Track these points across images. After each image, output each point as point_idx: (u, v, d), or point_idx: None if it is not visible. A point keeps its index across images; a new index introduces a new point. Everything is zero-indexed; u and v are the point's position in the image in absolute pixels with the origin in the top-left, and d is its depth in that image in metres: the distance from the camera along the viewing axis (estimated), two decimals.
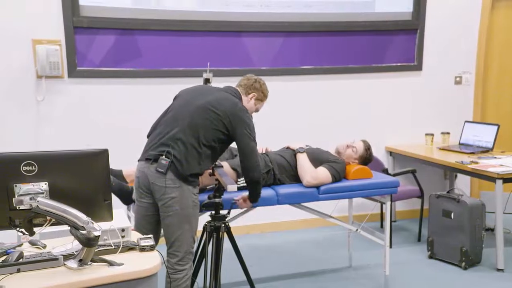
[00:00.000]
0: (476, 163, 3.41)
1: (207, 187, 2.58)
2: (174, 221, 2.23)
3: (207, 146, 2.28)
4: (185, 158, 2.23)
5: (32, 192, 1.50)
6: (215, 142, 2.30)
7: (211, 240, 2.45)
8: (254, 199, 2.48)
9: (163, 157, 2.21)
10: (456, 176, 4.33)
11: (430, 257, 3.48)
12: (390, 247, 3.16)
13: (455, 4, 4.33)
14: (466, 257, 3.26)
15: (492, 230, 3.64)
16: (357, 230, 3.00)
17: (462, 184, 4.41)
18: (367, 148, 3.04)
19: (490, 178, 3.21)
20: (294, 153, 2.90)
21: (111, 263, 1.55)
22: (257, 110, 2.57)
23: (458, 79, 4.46)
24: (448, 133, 4.22)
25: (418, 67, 4.32)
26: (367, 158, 3.05)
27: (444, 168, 3.89)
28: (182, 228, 2.24)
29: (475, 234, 3.27)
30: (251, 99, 2.50)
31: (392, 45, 4.23)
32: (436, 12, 4.27)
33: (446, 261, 3.39)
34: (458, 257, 3.30)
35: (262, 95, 2.54)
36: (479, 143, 3.93)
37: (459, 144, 4.08)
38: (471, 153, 3.75)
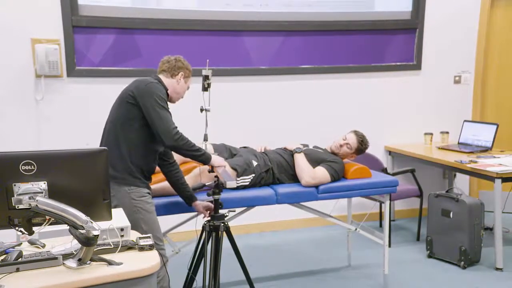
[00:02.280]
0: (475, 162, 3.41)
1: (206, 184, 2.57)
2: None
3: (126, 130, 2.23)
4: (110, 164, 2.10)
5: (31, 192, 1.50)
6: (132, 120, 2.23)
7: (210, 239, 2.45)
8: (204, 162, 2.37)
9: None
10: (455, 175, 4.34)
11: (429, 256, 3.48)
12: (389, 246, 3.17)
13: (455, 3, 4.33)
14: (465, 256, 3.26)
15: (491, 229, 3.64)
16: (356, 229, 3.00)
17: (461, 183, 4.42)
18: (361, 140, 3.03)
19: (489, 177, 3.22)
20: (292, 153, 2.90)
21: (110, 263, 1.55)
22: (188, 88, 2.48)
23: (457, 78, 4.46)
24: (447, 132, 4.22)
25: (417, 67, 4.32)
26: (363, 149, 3.06)
27: (443, 167, 3.90)
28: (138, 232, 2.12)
29: (474, 233, 3.27)
30: (180, 79, 2.40)
31: (392, 44, 4.23)
32: (436, 11, 4.27)
33: (445, 260, 3.39)
34: (457, 256, 3.30)
35: (188, 71, 2.43)
36: (478, 143, 3.93)
37: (458, 143, 4.09)
38: (470, 152, 3.76)
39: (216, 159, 2.40)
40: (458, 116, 4.33)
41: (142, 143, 2.28)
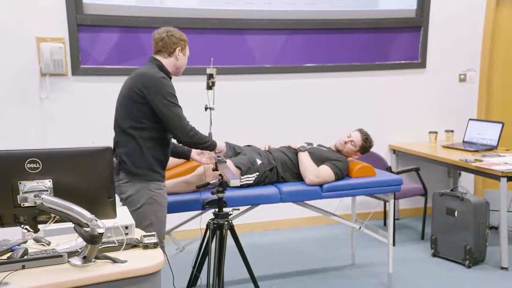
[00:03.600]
0: (480, 161, 3.39)
1: (211, 182, 2.57)
2: (135, 219, 2.14)
3: (140, 129, 2.25)
4: (126, 156, 2.26)
5: (36, 189, 1.51)
6: (144, 119, 2.24)
7: (214, 237, 2.45)
8: (211, 150, 2.42)
9: (114, 159, 2.22)
10: (460, 174, 4.32)
11: (434, 255, 3.47)
12: (394, 245, 3.16)
13: (460, 1, 4.31)
14: (470, 255, 3.25)
15: (496, 228, 3.63)
16: (360, 228, 2.99)
17: (466, 182, 4.40)
18: (365, 137, 3.03)
19: (494, 176, 3.20)
20: (296, 151, 2.90)
21: (114, 260, 1.56)
22: (188, 56, 2.46)
23: (462, 76, 4.44)
24: (452, 131, 4.20)
25: (422, 65, 4.31)
26: (368, 147, 3.05)
27: (448, 166, 3.89)
28: (141, 225, 2.19)
29: (479, 232, 3.26)
30: (178, 54, 2.36)
31: (396, 42, 4.22)
32: (441, 9, 4.25)
33: (450, 259, 3.38)
34: (462, 255, 3.29)
35: (183, 42, 2.38)
36: (483, 141, 3.92)
37: (463, 142, 4.07)
38: (475, 151, 3.74)
39: (221, 145, 2.45)
40: (463, 115, 4.31)
41: (159, 138, 2.31)
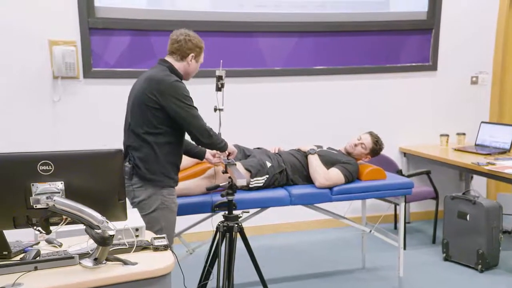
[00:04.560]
0: (493, 164, 3.36)
1: (221, 185, 2.58)
2: (145, 223, 2.11)
3: (155, 134, 2.24)
4: (140, 161, 2.24)
5: (48, 191, 1.52)
6: (160, 124, 2.23)
7: (224, 240, 2.45)
8: (223, 150, 2.44)
9: (126, 163, 2.25)
10: (472, 177, 4.27)
11: (446, 259, 3.44)
12: (404, 248, 3.13)
13: (472, 2, 4.27)
14: (482, 260, 3.21)
15: (510, 232, 3.58)
16: (370, 231, 2.97)
17: (478, 185, 4.35)
18: (376, 140, 3.01)
19: (507, 179, 3.16)
20: (306, 154, 2.89)
21: (125, 262, 1.57)
22: (201, 62, 2.45)
23: (474, 79, 4.40)
24: (463, 134, 4.16)
25: (433, 67, 4.27)
26: (378, 150, 3.03)
27: (460, 169, 3.84)
28: (152, 230, 2.15)
29: (492, 236, 3.22)
30: (191, 60, 2.34)
31: (407, 45, 4.19)
32: (452, 11, 4.21)
33: (462, 263, 3.34)
34: (475, 259, 3.25)
35: (198, 50, 2.36)
36: (495, 144, 3.87)
37: (475, 145, 4.03)
38: (487, 154, 3.70)
39: (231, 146, 2.47)
40: (475, 118, 4.27)
41: (175, 142, 2.31)
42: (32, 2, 3.41)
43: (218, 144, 2.36)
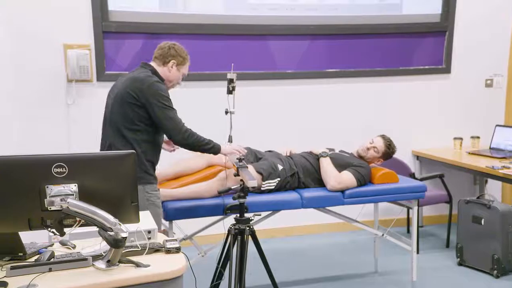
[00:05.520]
0: (508, 168, 3.31)
1: (232, 188, 2.58)
2: None
3: (134, 131, 2.29)
4: None
5: (62, 194, 1.53)
6: (139, 121, 2.29)
7: (236, 243, 2.46)
8: (215, 153, 2.43)
9: None
10: (486, 181, 4.22)
11: (460, 264, 3.39)
12: (417, 252, 3.10)
13: (486, 4, 4.22)
14: (498, 265, 3.16)
15: None
16: (383, 235, 2.95)
17: (493, 189, 4.29)
18: (388, 144, 2.99)
19: None
20: (317, 157, 2.88)
21: (138, 265, 1.57)
22: (184, 75, 2.50)
23: (489, 82, 4.34)
24: (478, 137, 4.11)
25: (447, 70, 4.23)
26: (390, 153, 3.01)
27: (474, 173, 3.80)
28: None
29: (508, 241, 3.17)
30: (171, 67, 2.42)
31: (420, 47, 4.16)
32: (466, 13, 4.17)
33: (477, 268, 3.30)
34: (490, 264, 3.20)
35: (181, 59, 2.43)
36: (511, 148, 3.82)
37: (490, 148, 3.98)
38: (502, 158, 3.65)
39: (226, 148, 2.45)
40: (489, 121, 4.21)
41: (152, 140, 2.36)
42: (48, 7, 3.46)
43: (202, 146, 2.36)
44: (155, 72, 2.40)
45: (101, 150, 2.45)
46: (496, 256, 3.16)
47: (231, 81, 2.49)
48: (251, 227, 2.48)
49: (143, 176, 2.31)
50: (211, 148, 2.39)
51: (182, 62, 2.45)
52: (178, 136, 2.31)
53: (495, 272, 3.18)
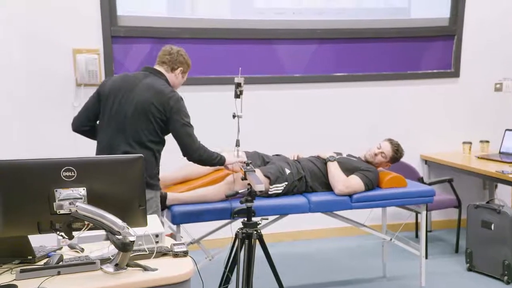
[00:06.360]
0: None
1: (240, 191, 2.58)
2: None
3: (157, 143, 2.34)
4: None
5: (71, 197, 1.54)
6: (162, 134, 2.35)
7: (243, 247, 2.45)
8: (221, 165, 2.48)
9: None
10: (496, 186, 4.18)
11: (469, 269, 3.36)
12: (426, 257, 3.08)
13: (495, 7, 4.19)
14: (508, 271, 3.13)
15: None
16: (391, 239, 2.93)
17: (503, 194, 4.24)
18: (396, 149, 2.98)
19: None
20: (325, 161, 2.87)
21: (146, 268, 1.58)
22: (183, 82, 2.54)
23: (498, 86, 4.31)
24: (487, 141, 4.08)
25: (455, 74, 4.21)
26: (398, 158, 3.00)
27: (483, 177, 3.76)
28: None
29: None
30: (179, 74, 2.44)
31: (429, 51, 4.14)
32: (475, 17, 4.15)
33: (487, 274, 3.26)
34: (500, 270, 3.17)
35: (187, 67, 2.47)
36: None
37: (500, 153, 3.94)
38: None
39: (229, 158, 2.48)
40: (499, 125, 4.18)
41: (160, 150, 2.41)
42: (57, 13, 3.49)
43: (212, 161, 2.42)
44: (169, 83, 2.42)
45: (97, 147, 2.47)
46: (506, 262, 3.13)
47: (238, 85, 2.49)
48: (259, 231, 2.48)
49: (157, 183, 2.40)
50: (219, 160, 2.45)
51: (187, 70, 2.50)
52: (195, 153, 2.35)
53: (505, 278, 3.14)
